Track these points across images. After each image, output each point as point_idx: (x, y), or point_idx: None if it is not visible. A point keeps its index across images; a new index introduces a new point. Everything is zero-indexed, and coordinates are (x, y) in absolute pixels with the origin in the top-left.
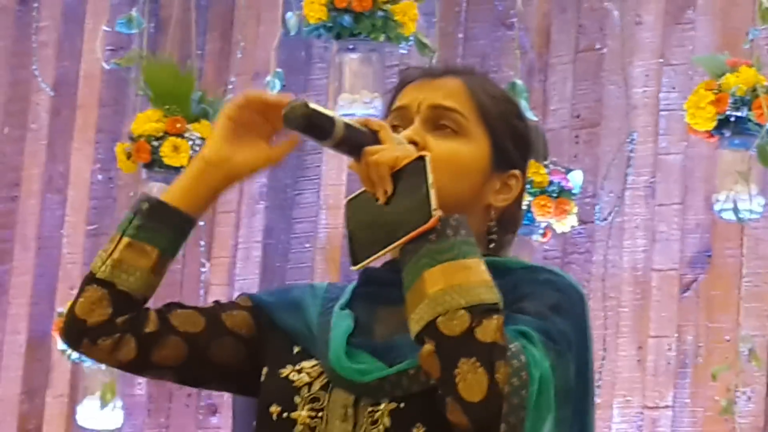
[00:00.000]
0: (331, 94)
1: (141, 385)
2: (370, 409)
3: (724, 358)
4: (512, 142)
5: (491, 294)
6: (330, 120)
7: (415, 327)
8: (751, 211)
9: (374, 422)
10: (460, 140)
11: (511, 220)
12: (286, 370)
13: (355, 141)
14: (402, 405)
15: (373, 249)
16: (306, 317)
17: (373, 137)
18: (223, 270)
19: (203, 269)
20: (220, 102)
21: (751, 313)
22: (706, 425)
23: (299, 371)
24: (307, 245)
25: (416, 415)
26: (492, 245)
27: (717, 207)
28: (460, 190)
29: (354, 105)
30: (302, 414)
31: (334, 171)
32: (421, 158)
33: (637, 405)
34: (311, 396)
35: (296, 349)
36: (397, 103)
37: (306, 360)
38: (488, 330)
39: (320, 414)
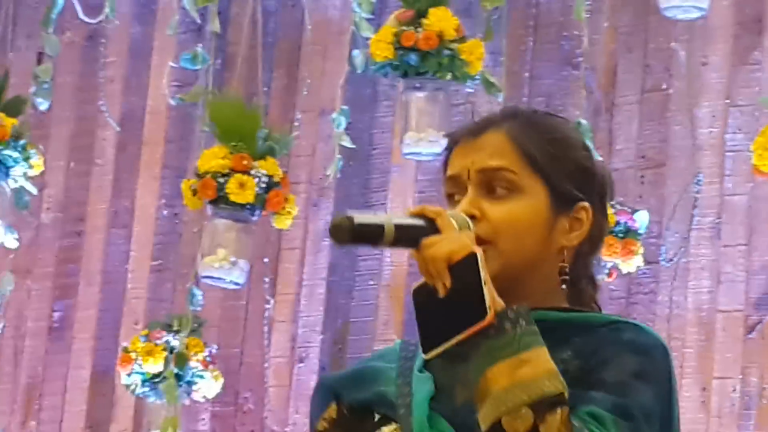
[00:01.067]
0: (396, 132)
1: (205, 421)
2: None
3: None
4: (570, 178)
5: (555, 384)
6: (378, 227)
7: (483, 427)
8: None
9: None
10: (515, 198)
11: (586, 254)
12: None
13: (410, 237)
14: None
15: (438, 340)
16: (382, 384)
17: (431, 226)
18: (288, 306)
19: (267, 306)
20: (287, 139)
21: None
22: None
23: None
24: (371, 282)
25: None
26: (564, 286)
27: None
28: (528, 248)
29: (420, 143)
30: None
31: (400, 207)
32: (473, 254)
33: None
34: None
35: (377, 417)
36: (449, 172)
37: (386, 425)
38: (552, 426)
39: None
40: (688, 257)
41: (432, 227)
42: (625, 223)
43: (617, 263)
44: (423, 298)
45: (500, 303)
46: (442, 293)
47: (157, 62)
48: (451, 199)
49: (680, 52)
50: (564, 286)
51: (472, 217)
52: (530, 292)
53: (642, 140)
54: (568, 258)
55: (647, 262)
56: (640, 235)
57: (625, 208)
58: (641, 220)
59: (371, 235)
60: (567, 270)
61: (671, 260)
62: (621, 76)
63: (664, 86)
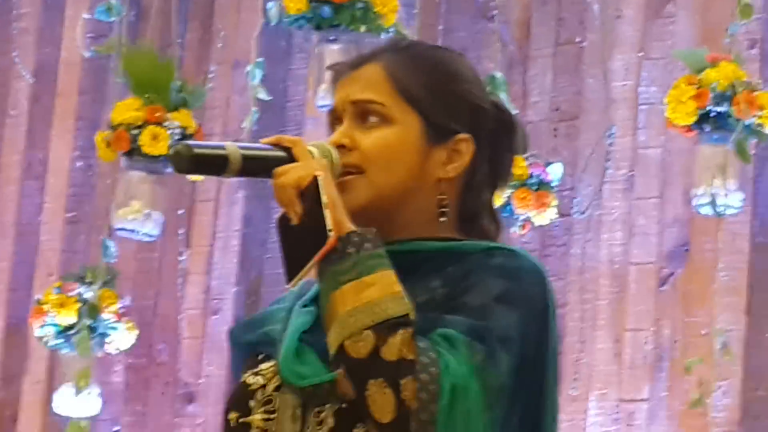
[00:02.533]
0: (311, 84)
1: (118, 372)
2: (316, 409)
3: (701, 351)
4: (448, 111)
5: (399, 306)
6: (221, 157)
7: (330, 351)
8: (728, 206)
9: (320, 423)
10: (386, 128)
11: (478, 186)
12: (245, 375)
13: (262, 167)
14: (345, 405)
15: (297, 269)
16: (271, 324)
17: (288, 155)
18: (202, 259)
19: (181, 258)
20: (200, 91)
21: (728, 307)
22: (683, 419)
23: (256, 374)
24: None
25: (358, 416)
26: (443, 219)
27: (695, 201)
28: (399, 176)
29: None
30: (256, 417)
31: None
32: (315, 177)
33: (614, 398)
34: (265, 398)
35: (260, 357)
36: (332, 105)
37: (265, 362)
38: (393, 347)
39: (272, 416)
40: (601, 210)
41: (288, 157)
42: (539, 175)
43: (530, 216)
44: (283, 227)
45: (346, 227)
46: (295, 221)
47: (71, 13)
48: (333, 131)
49: (594, 5)
50: (442, 219)
51: (342, 146)
52: (406, 222)
53: (556, 93)
54: (450, 190)
55: (560, 214)
56: (553, 187)
57: (539, 161)
58: (555, 172)
59: (214, 164)
60: (445, 202)
61: (584, 213)
62: (535, 29)
63: (578, 39)
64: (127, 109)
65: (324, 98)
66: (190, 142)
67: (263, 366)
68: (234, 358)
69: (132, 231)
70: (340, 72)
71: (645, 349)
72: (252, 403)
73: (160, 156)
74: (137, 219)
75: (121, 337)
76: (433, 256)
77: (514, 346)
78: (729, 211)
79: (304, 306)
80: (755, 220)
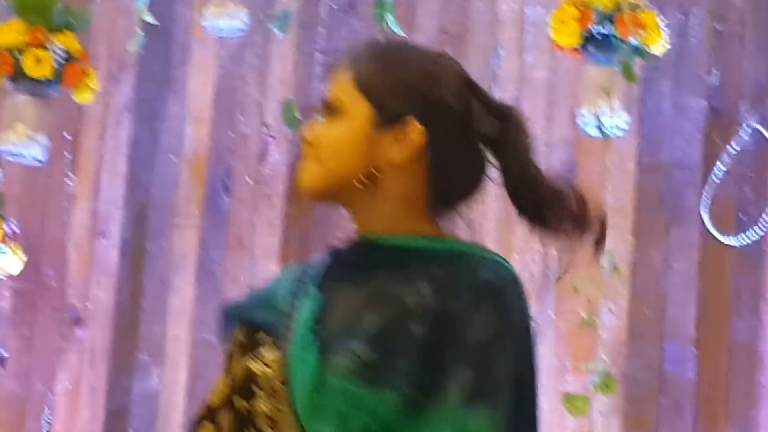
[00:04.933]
0: (195, 5)
1: (6, 296)
2: None
3: (588, 272)
4: (394, 95)
5: None
6: None
7: None
8: (614, 127)
9: None
10: (336, 120)
11: (449, 169)
12: (245, 358)
13: None
14: None
15: None
16: (273, 304)
17: None
18: (89, 183)
19: (68, 181)
20: (85, 13)
21: (615, 227)
22: (570, 338)
23: (262, 363)
24: (173, 157)
25: None
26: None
27: (580, 122)
28: (348, 163)
29: (220, 18)
30: (262, 406)
31: (201, 84)
32: None
33: None
34: (271, 387)
35: (258, 336)
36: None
37: (268, 349)
38: None
39: (281, 407)
40: None
41: None
42: None
43: None
44: None
45: None
46: None
47: None
48: None
49: None
50: (365, 183)
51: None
52: (381, 212)
53: (442, 14)
54: (415, 177)
55: None
56: None
57: None
58: None
59: None
60: (368, 176)
61: None
62: None
63: None
64: (9, 31)
65: (209, 19)
66: None
67: (268, 356)
68: (224, 331)
69: (17, 155)
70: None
71: (532, 269)
72: (256, 390)
73: (44, 79)
74: (22, 142)
75: (9, 262)
76: (419, 256)
77: (510, 398)
78: (615, 132)
79: (311, 290)
80: (641, 141)
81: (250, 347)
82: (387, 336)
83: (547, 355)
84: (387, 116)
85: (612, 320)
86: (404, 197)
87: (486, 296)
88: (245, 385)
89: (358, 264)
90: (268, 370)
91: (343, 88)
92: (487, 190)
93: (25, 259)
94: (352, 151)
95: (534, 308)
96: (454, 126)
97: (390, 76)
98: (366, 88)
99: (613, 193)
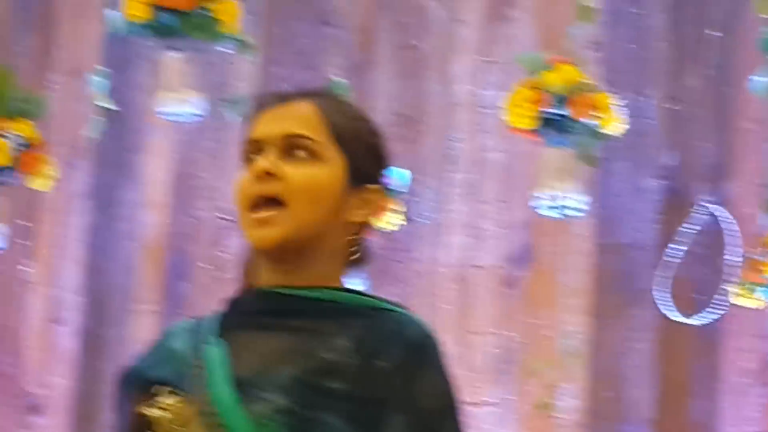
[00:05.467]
0: (150, 90)
1: None
2: None
3: (548, 354)
4: (367, 159)
5: None
6: None
7: None
8: (570, 208)
9: None
10: (315, 165)
11: (365, 236)
12: (139, 407)
13: None
14: None
15: None
16: (175, 356)
17: None
18: (47, 269)
19: (26, 269)
20: (41, 100)
21: (573, 309)
22: (531, 421)
23: (158, 407)
24: (131, 243)
25: None
26: (353, 261)
27: (535, 203)
28: (320, 214)
29: (176, 104)
30: None
31: (157, 170)
32: None
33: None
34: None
35: (153, 389)
36: (252, 135)
37: (166, 396)
38: None
39: None
40: (445, 214)
41: None
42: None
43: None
44: None
45: None
46: None
47: None
48: (251, 162)
49: (434, 10)
50: (352, 259)
51: (268, 173)
52: (317, 264)
53: (398, 98)
54: (357, 231)
55: (406, 219)
56: (397, 193)
57: None
58: (399, 178)
59: None
60: (357, 244)
61: (428, 217)
62: (376, 33)
63: (418, 43)
64: None
65: (164, 105)
66: None
67: (167, 400)
68: (125, 400)
69: None
70: (266, 103)
71: (492, 352)
72: None
73: (1, 167)
74: None
75: None
76: (336, 308)
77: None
78: (570, 213)
79: (210, 341)
80: (599, 222)
81: (143, 400)
82: (303, 389)
83: None
84: (359, 177)
85: (571, 402)
86: (337, 253)
87: (421, 354)
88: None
89: (264, 313)
90: (167, 415)
91: (314, 130)
92: (446, 274)
93: None
94: (329, 203)
95: (492, 392)
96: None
97: (366, 137)
98: (343, 142)
99: (571, 274)
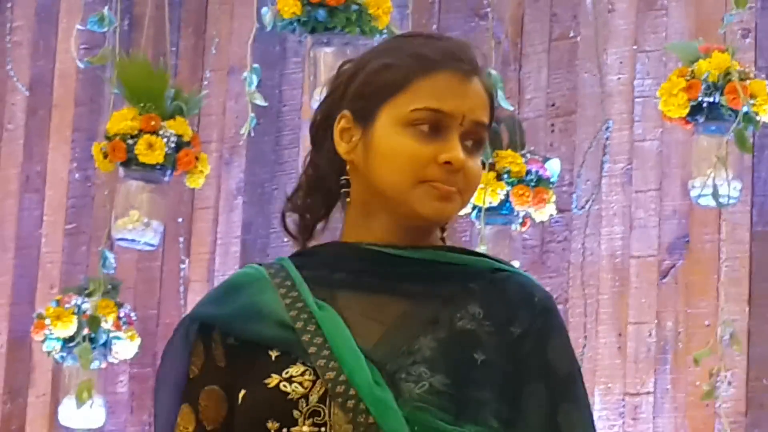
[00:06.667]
0: (306, 88)
1: (123, 383)
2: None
3: (704, 343)
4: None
5: None
6: None
7: None
8: (727, 196)
9: None
10: (479, 155)
11: None
12: (273, 380)
13: None
14: None
15: None
16: (272, 317)
17: None
18: (203, 266)
19: (183, 266)
20: (196, 98)
21: (730, 297)
22: (688, 410)
23: (289, 381)
24: (286, 240)
25: None
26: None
27: (693, 193)
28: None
29: None
30: (304, 429)
31: None
32: None
33: (619, 392)
34: (311, 409)
35: (274, 355)
36: (436, 104)
37: (292, 365)
38: None
39: (323, 429)
40: (600, 204)
41: None
42: (537, 171)
43: (530, 212)
44: None
45: None
46: None
47: (64, 25)
48: (420, 129)
49: (587, 0)
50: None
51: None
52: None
53: (551, 89)
54: None
55: (560, 210)
56: (552, 183)
57: (537, 157)
58: (553, 168)
59: None
60: None
61: (583, 208)
62: (528, 25)
63: (572, 34)
64: (122, 119)
65: (317, 99)
66: None
67: (293, 371)
68: (186, 348)
69: (132, 240)
70: (446, 67)
71: (648, 341)
72: (296, 414)
73: (156, 165)
74: (137, 228)
75: (124, 347)
76: (455, 271)
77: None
78: (725, 201)
79: (317, 305)
80: (754, 209)
81: (267, 367)
82: (451, 363)
83: (666, 428)
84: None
85: (731, 391)
86: None
87: (547, 317)
88: (282, 410)
89: (371, 273)
90: (299, 388)
91: (488, 118)
92: (602, 264)
93: (140, 343)
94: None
95: (651, 382)
96: None
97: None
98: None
99: (728, 262)
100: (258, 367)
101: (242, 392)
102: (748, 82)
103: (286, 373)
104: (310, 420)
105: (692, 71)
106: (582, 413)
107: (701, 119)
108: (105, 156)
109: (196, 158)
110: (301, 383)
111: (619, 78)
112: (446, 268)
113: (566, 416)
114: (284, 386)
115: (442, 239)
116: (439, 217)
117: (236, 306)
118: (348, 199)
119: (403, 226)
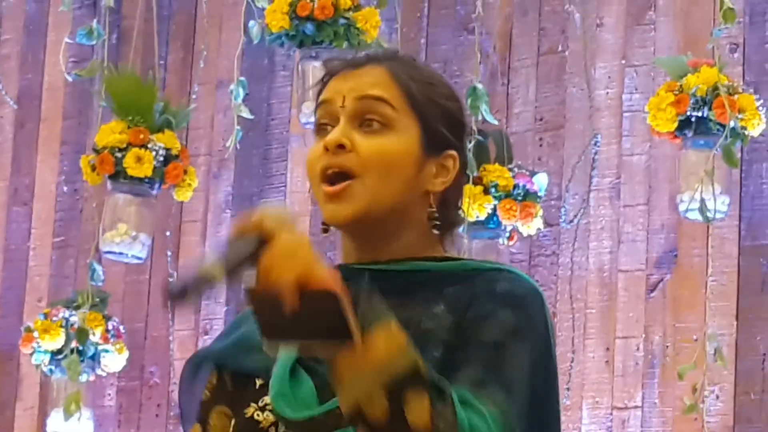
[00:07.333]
0: (294, 102)
1: (111, 395)
2: None
3: (692, 357)
4: (443, 124)
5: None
6: (206, 281)
7: (344, 411)
8: (715, 211)
9: None
10: (388, 134)
11: (452, 203)
12: (250, 409)
13: (244, 266)
14: None
15: (281, 335)
16: (259, 347)
17: (258, 241)
18: None
19: (171, 279)
20: (184, 111)
21: (717, 312)
22: (676, 424)
23: (263, 409)
24: None
25: None
26: (436, 231)
27: (682, 207)
28: (395, 186)
29: None
30: None
31: (300, 179)
32: (336, 297)
33: (606, 406)
34: None
35: (258, 383)
36: (322, 97)
37: (267, 394)
38: (413, 411)
39: None
40: (589, 218)
41: (259, 242)
42: (524, 185)
43: (517, 226)
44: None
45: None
46: (288, 311)
47: (53, 38)
48: (322, 130)
49: (575, 14)
50: (436, 232)
51: (341, 146)
52: (399, 237)
53: (539, 103)
54: (435, 204)
55: (548, 224)
56: (539, 197)
57: (524, 171)
58: (540, 182)
59: (202, 290)
60: (436, 215)
61: (571, 222)
62: (516, 39)
63: (560, 48)
64: (111, 132)
65: (307, 115)
66: (175, 281)
67: (267, 399)
68: (199, 378)
69: (120, 254)
70: (337, 68)
71: (636, 356)
72: None
73: (145, 178)
74: (124, 241)
75: (112, 360)
76: (432, 277)
77: (527, 388)
78: (717, 216)
79: None
80: (741, 224)
81: (248, 396)
82: None
83: None
84: (434, 143)
85: (718, 405)
86: (422, 224)
87: (505, 302)
88: None
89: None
90: (271, 416)
91: (389, 92)
92: (590, 278)
93: (128, 356)
94: (405, 174)
95: (638, 396)
96: (466, 154)
97: (441, 100)
98: (417, 105)
99: (715, 277)
100: (244, 397)
101: (233, 421)
102: (736, 96)
103: (262, 401)
104: None
105: (680, 86)
106: (496, 386)
107: (689, 134)
108: (93, 169)
109: (185, 171)
110: (272, 411)
111: (607, 92)
112: (424, 276)
113: (477, 385)
114: (257, 415)
115: (442, 246)
116: (337, 220)
117: (233, 339)
118: None
119: (353, 240)
